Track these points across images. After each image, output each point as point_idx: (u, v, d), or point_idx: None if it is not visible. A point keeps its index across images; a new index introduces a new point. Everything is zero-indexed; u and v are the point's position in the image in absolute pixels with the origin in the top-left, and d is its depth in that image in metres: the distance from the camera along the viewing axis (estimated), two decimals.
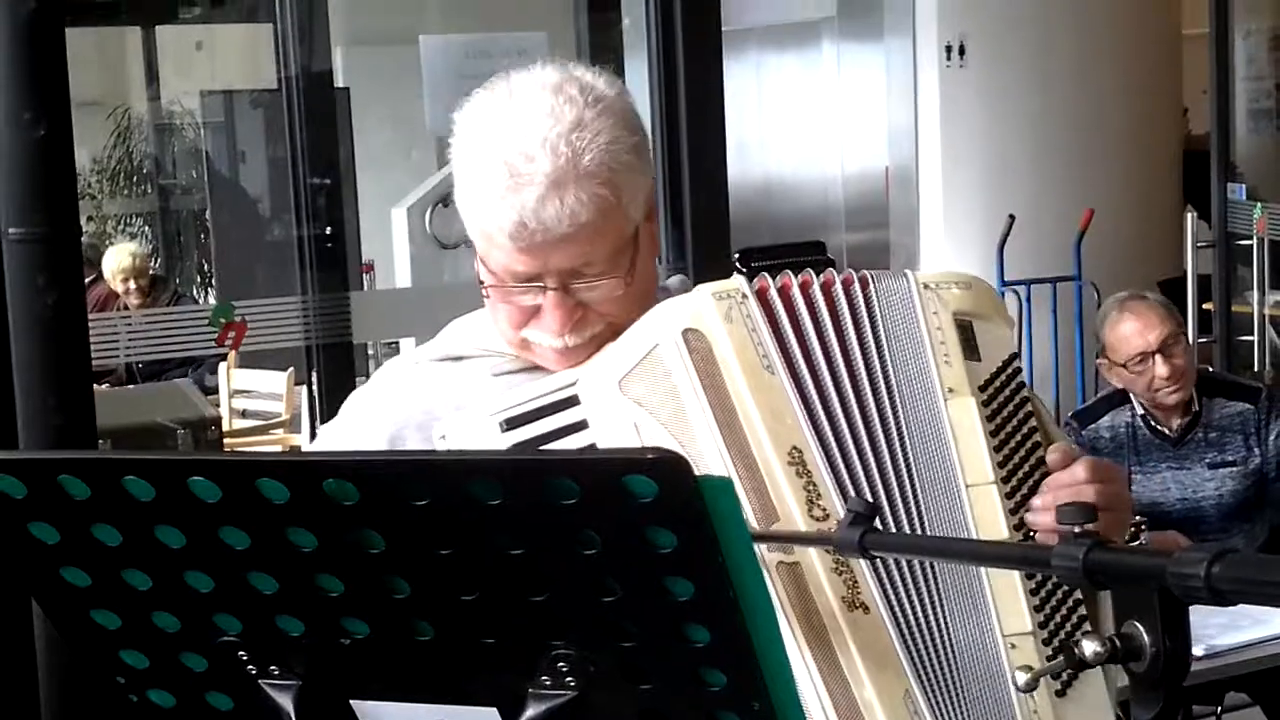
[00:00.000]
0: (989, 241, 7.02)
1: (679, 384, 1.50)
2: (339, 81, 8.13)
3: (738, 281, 1.54)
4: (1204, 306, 6.59)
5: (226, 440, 5.88)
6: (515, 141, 1.54)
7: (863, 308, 1.58)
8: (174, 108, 10.15)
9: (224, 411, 6.32)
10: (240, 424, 6.46)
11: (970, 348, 1.60)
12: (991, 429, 1.57)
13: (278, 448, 6.14)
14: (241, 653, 1.17)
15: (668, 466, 1.01)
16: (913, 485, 1.53)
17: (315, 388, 4.37)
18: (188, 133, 10.04)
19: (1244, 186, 6.04)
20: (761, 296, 1.54)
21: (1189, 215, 6.65)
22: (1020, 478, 1.57)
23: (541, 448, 1.52)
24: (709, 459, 1.48)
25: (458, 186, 1.61)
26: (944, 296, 1.61)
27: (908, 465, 1.54)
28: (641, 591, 1.07)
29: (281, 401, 6.27)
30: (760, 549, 1.44)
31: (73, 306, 2.75)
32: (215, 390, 6.50)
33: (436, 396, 1.66)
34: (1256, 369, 6.23)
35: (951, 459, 1.54)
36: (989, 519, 1.52)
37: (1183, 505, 3.94)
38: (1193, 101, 8.47)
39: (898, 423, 1.55)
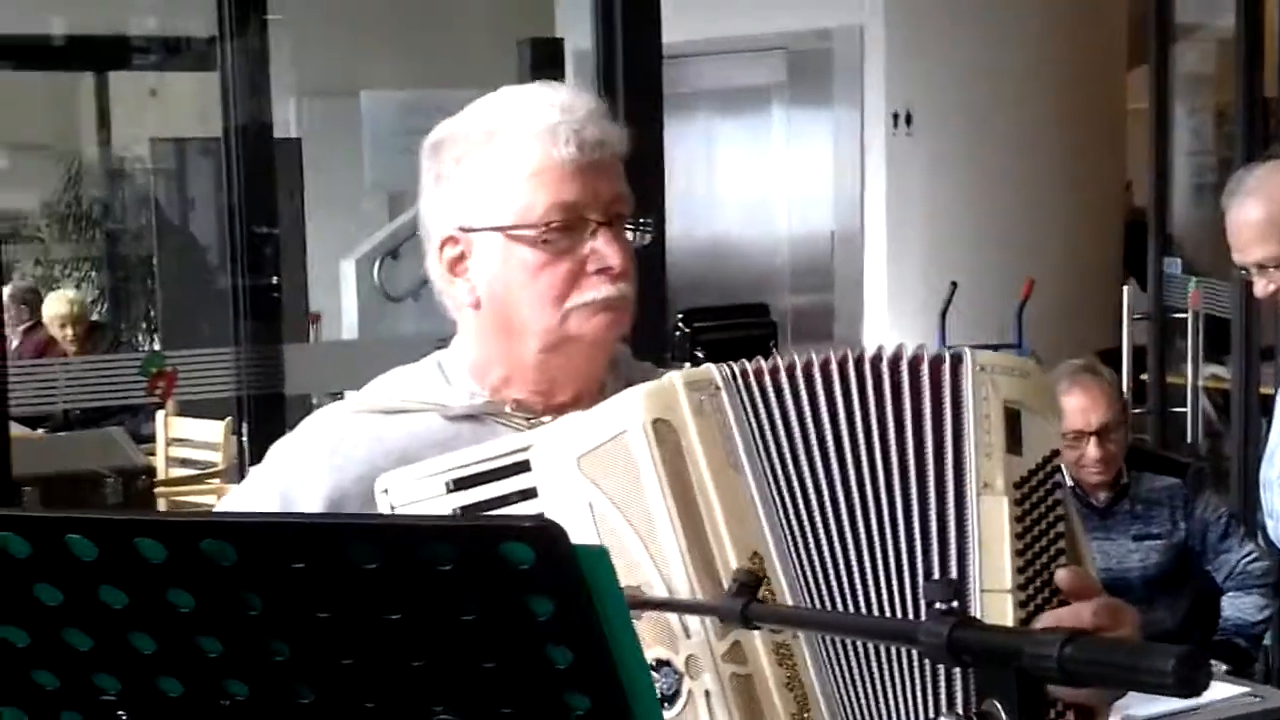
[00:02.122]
0: (932, 307, 7.07)
1: (644, 474, 1.45)
2: (292, 131, 8.15)
3: (710, 371, 1.49)
4: (1140, 377, 6.65)
5: (161, 489, 5.84)
6: (552, 94, 1.65)
7: (880, 390, 1.50)
8: (125, 154, 10.13)
9: (160, 460, 6.28)
10: (178, 473, 6.42)
11: (1014, 440, 1.51)
12: (1018, 531, 1.48)
13: (213, 498, 6.11)
14: (121, 712, 1.16)
15: (545, 534, 1.02)
16: (913, 584, 1.46)
17: (245, 439, 4.36)
18: (138, 179, 10.02)
19: (1179, 260, 6.11)
20: (735, 387, 1.49)
21: (1126, 287, 6.72)
22: (1035, 589, 1.49)
23: (489, 513, 1.49)
24: (667, 554, 1.43)
25: (485, 157, 1.65)
26: (998, 382, 1.52)
27: (909, 563, 1.47)
28: (521, 659, 1.07)
29: (218, 451, 6.23)
30: (715, 658, 1.41)
31: None
32: (152, 438, 6.46)
33: (379, 449, 1.64)
34: (1189, 440, 6.28)
35: (970, 560, 1.47)
36: None
37: (1107, 576, 3.95)
38: (1137, 175, 8.58)
39: (907, 518, 1.48)
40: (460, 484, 1.51)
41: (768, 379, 1.50)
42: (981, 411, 1.50)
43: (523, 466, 1.49)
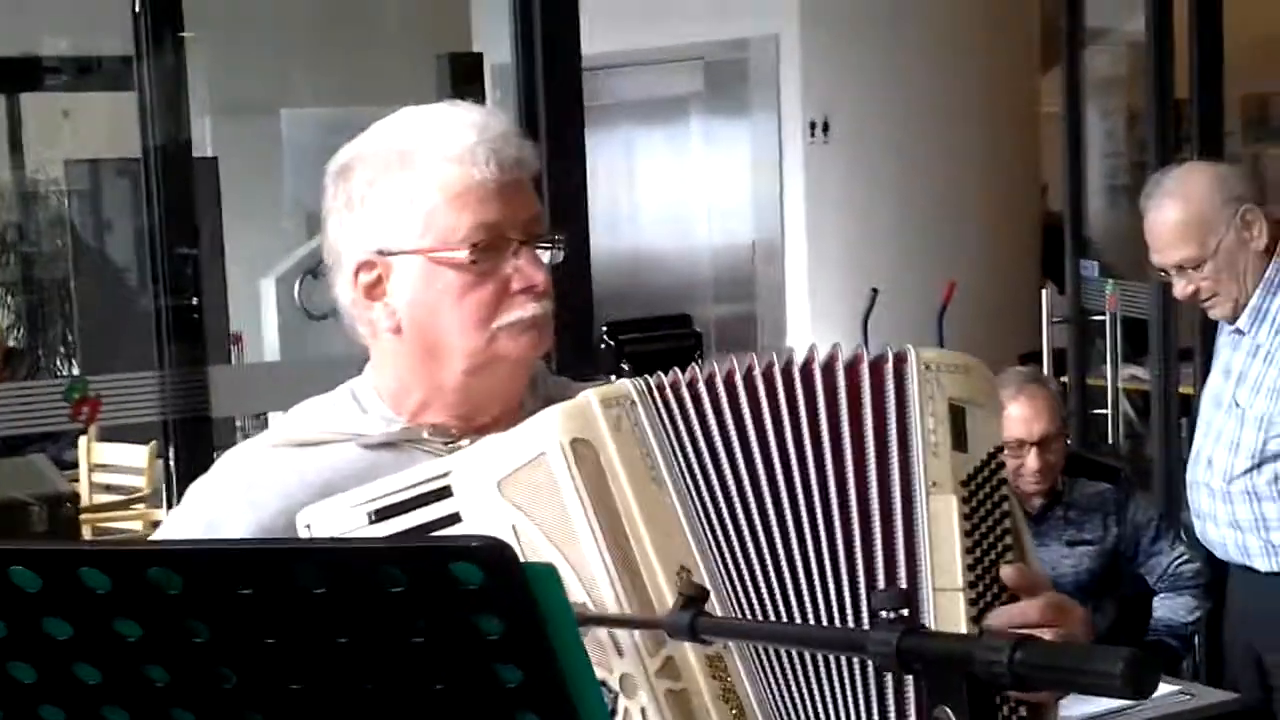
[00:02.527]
0: (854, 314, 7.11)
1: (565, 495, 1.44)
2: (208, 151, 8.08)
3: (626, 386, 1.48)
4: (1061, 380, 6.72)
5: (86, 516, 5.76)
6: (464, 114, 1.64)
7: (812, 394, 1.49)
8: (39, 176, 10.01)
9: (84, 486, 6.20)
10: (103, 498, 6.35)
11: (959, 438, 1.50)
12: (967, 529, 1.48)
13: (139, 523, 6.05)
14: None
15: (494, 554, 1.02)
16: (853, 589, 1.45)
17: (171, 463, 4.32)
18: (52, 201, 9.90)
19: (1096, 263, 6.18)
20: (651, 400, 1.48)
21: (1045, 291, 6.80)
22: (984, 586, 1.48)
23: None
24: (594, 572, 1.42)
25: (401, 180, 1.63)
26: (942, 380, 1.51)
27: (849, 568, 1.46)
28: (471, 678, 1.07)
29: (142, 476, 6.17)
30: (649, 675, 1.41)
31: None
32: (75, 465, 6.38)
33: (297, 482, 1.62)
34: (1110, 441, 6.35)
35: (921, 560, 1.47)
36: (950, 629, 1.41)
37: None
38: (1052, 179, 8.67)
39: (845, 522, 1.47)
40: (383, 514, 1.50)
41: (685, 390, 1.49)
42: (928, 410, 1.50)
43: (444, 493, 1.48)
